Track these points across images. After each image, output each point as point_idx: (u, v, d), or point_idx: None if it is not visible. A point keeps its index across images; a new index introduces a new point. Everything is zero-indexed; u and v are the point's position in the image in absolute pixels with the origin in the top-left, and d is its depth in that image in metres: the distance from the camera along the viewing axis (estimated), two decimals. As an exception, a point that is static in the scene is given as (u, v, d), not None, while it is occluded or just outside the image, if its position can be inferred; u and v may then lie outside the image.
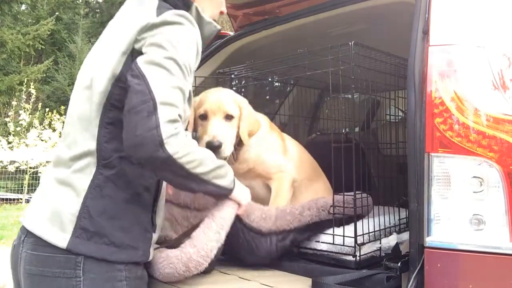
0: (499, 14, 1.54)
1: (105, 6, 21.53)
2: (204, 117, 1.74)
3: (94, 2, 22.57)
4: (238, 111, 1.78)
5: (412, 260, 1.32)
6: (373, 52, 1.75)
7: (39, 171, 9.92)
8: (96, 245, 1.27)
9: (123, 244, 1.30)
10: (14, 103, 12.88)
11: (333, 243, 1.72)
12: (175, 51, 1.26)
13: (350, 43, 1.65)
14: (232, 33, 2.63)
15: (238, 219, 1.58)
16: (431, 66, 1.35)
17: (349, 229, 1.67)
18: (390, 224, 1.86)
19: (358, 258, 1.63)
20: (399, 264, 1.44)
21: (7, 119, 11.90)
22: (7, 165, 9.79)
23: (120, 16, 1.48)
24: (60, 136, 10.99)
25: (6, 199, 9.56)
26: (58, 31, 17.44)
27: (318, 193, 2.02)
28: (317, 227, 1.77)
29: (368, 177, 1.77)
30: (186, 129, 1.40)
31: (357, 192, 1.68)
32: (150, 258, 1.41)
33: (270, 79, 2.61)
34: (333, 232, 1.73)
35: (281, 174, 1.88)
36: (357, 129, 2.86)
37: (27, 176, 9.89)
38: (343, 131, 2.37)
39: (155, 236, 1.44)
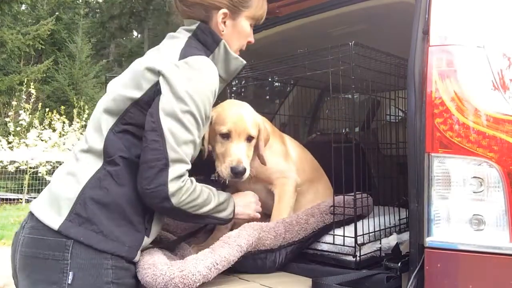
0: (499, 14, 1.54)
1: (105, 6, 21.53)
2: (226, 136, 1.69)
3: (94, 2, 22.57)
4: (257, 132, 1.76)
5: (412, 260, 1.32)
6: (373, 52, 1.75)
7: (39, 171, 9.91)
8: (85, 231, 1.35)
9: (111, 235, 1.37)
10: (14, 103, 12.86)
11: (333, 243, 1.72)
12: (193, 104, 1.40)
13: (350, 43, 1.64)
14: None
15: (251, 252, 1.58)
16: (431, 66, 1.35)
17: (349, 229, 1.67)
18: (390, 224, 1.86)
19: (358, 258, 1.63)
20: (399, 264, 1.44)
21: (7, 119, 11.88)
22: (7, 165, 9.78)
23: (157, 47, 1.62)
24: (60, 136, 11.01)
25: (6, 199, 9.55)
26: (58, 31, 17.41)
27: (320, 194, 2.00)
28: (322, 231, 1.78)
29: (368, 177, 1.77)
30: (201, 150, 1.62)
31: (357, 192, 1.68)
32: (136, 259, 1.43)
33: (270, 79, 2.61)
34: (333, 232, 1.73)
35: (284, 180, 1.86)
36: (357, 129, 2.86)
37: (27, 176, 9.88)
38: (343, 131, 2.36)
39: (147, 240, 1.46)
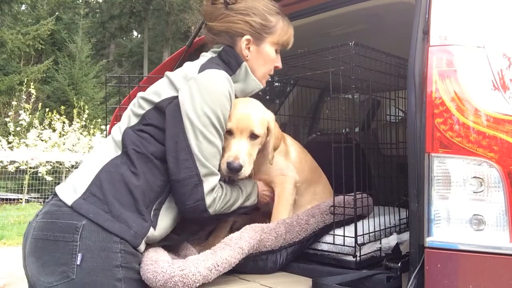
0: (499, 14, 1.54)
1: (105, 6, 21.53)
2: (229, 132, 1.67)
3: (94, 2, 22.60)
4: (264, 131, 1.73)
5: (412, 260, 1.32)
6: (373, 52, 1.75)
7: (39, 171, 9.91)
8: (96, 209, 1.41)
9: (120, 217, 1.41)
10: (14, 103, 12.88)
11: (333, 243, 1.72)
12: (213, 115, 1.51)
13: (350, 43, 1.64)
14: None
15: (253, 252, 1.59)
16: (431, 66, 1.35)
17: (349, 229, 1.67)
18: (390, 224, 1.86)
19: (358, 258, 1.63)
20: (399, 264, 1.44)
21: (7, 119, 11.89)
22: (7, 165, 9.78)
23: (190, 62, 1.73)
24: (60, 136, 11.02)
25: (6, 199, 9.55)
26: (58, 31, 17.44)
27: (318, 196, 2.00)
28: (323, 231, 1.78)
29: (368, 177, 1.77)
30: None
31: (357, 192, 1.68)
32: (141, 248, 1.45)
33: (270, 79, 2.61)
34: (334, 232, 1.73)
35: (284, 178, 1.86)
36: (357, 129, 2.86)
37: (27, 176, 9.88)
38: (343, 131, 2.36)
39: (153, 232, 1.47)
